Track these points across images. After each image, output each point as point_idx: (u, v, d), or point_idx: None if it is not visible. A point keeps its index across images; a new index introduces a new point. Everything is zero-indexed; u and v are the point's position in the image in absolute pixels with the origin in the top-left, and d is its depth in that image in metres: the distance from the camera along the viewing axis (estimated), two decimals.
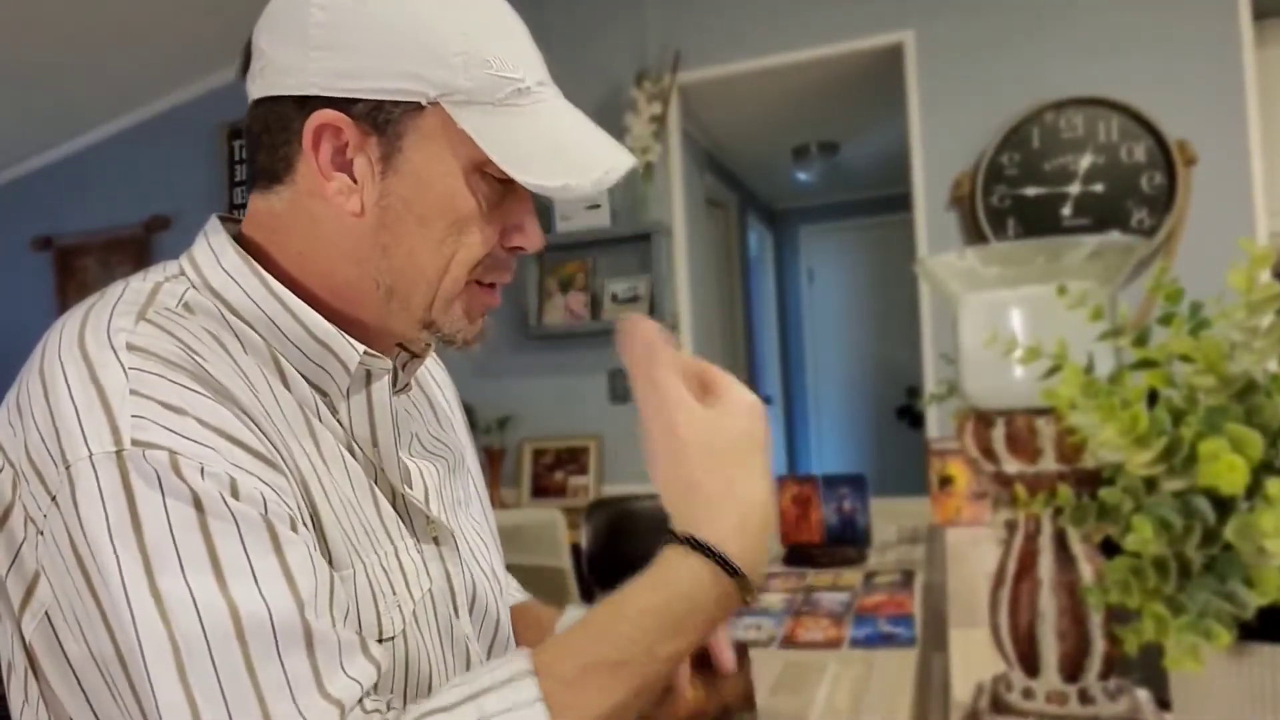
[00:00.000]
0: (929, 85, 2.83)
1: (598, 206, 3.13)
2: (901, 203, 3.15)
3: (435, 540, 0.72)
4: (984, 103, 2.76)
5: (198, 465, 0.52)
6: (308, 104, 0.60)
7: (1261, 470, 0.46)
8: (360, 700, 0.53)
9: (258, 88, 0.63)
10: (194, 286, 0.63)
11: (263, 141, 0.64)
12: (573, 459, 3.23)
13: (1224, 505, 0.47)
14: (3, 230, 4.12)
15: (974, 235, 2.79)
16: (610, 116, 3.15)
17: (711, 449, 0.58)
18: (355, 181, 0.62)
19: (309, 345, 0.63)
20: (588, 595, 2.50)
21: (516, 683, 0.53)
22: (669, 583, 0.56)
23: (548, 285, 3.26)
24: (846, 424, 5.53)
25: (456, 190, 0.63)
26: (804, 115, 3.77)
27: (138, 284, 0.63)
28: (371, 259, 0.63)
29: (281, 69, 0.61)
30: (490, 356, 3.33)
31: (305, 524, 0.58)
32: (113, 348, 0.55)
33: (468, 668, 0.73)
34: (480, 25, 0.62)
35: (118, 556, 0.50)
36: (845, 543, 1.47)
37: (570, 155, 0.63)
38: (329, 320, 0.64)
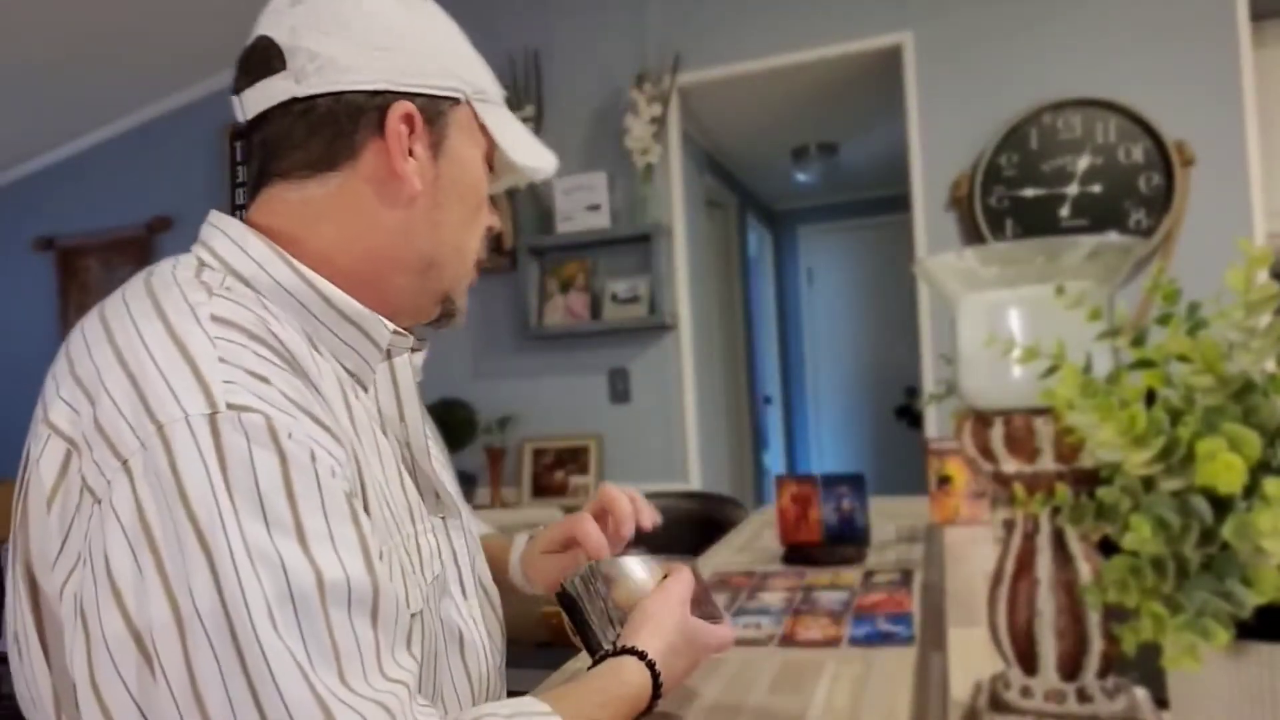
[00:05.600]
0: (927, 86, 2.84)
1: (598, 207, 3.13)
2: (900, 203, 3.16)
3: (443, 519, 0.76)
4: (982, 104, 2.77)
5: (287, 431, 0.54)
6: (380, 96, 0.68)
7: (1259, 470, 0.46)
8: (415, 691, 0.56)
9: (310, 85, 0.67)
10: (226, 274, 0.65)
11: (318, 134, 0.68)
12: (573, 458, 3.23)
13: (1222, 505, 0.47)
14: (4, 231, 4.12)
15: (972, 236, 2.79)
16: (610, 118, 3.15)
17: (693, 647, 0.78)
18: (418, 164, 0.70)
19: (341, 327, 0.67)
20: None
21: (552, 718, 0.61)
22: (634, 688, 0.71)
23: (548, 285, 3.26)
24: (845, 424, 5.53)
25: (480, 174, 0.76)
26: (803, 116, 3.77)
27: (178, 269, 0.64)
28: (422, 233, 0.72)
29: (345, 67, 0.67)
30: (490, 356, 3.34)
31: (359, 497, 0.61)
32: (196, 318, 0.57)
33: (462, 648, 0.76)
34: (467, 40, 0.77)
35: (220, 513, 0.51)
36: (844, 542, 1.47)
37: (536, 146, 0.80)
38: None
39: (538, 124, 3.19)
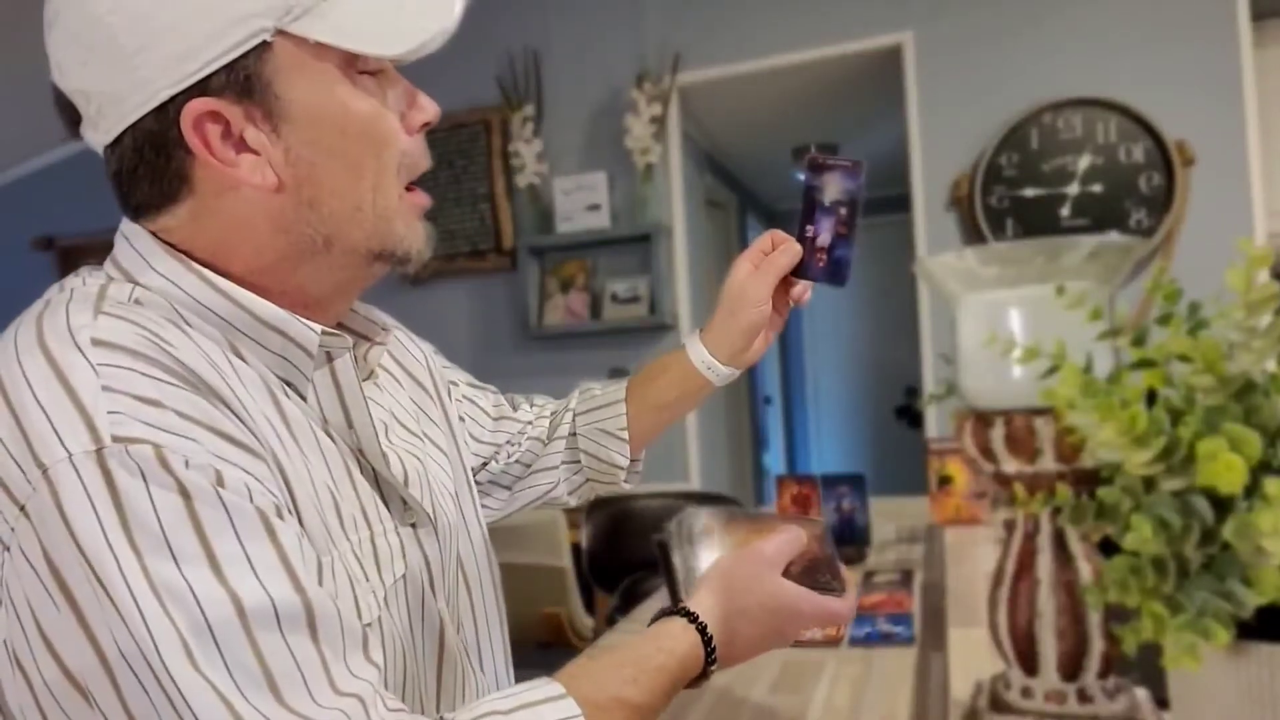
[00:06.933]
0: (928, 86, 2.84)
1: (598, 207, 3.13)
2: (901, 203, 3.16)
3: (414, 525, 0.71)
4: (983, 103, 2.77)
5: (183, 458, 0.51)
6: (168, 109, 0.58)
7: (1260, 470, 0.46)
8: (378, 696, 0.53)
9: (105, 130, 0.60)
10: (134, 288, 0.61)
11: (141, 174, 0.61)
12: None
13: (1222, 505, 0.47)
14: (4, 230, 4.12)
15: (973, 236, 2.79)
16: (610, 118, 3.15)
17: (774, 614, 0.70)
18: (258, 155, 0.60)
19: (265, 335, 0.62)
20: (588, 594, 2.50)
21: (561, 702, 0.58)
22: (677, 657, 0.65)
23: (548, 285, 3.26)
24: (846, 424, 5.53)
25: (347, 101, 0.61)
26: (804, 116, 3.77)
27: (81, 288, 0.60)
28: (301, 218, 0.62)
29: (119, 96, 0.58)
30: (490, 356, 3.34)
31: (288, 510, 0.57)
32: (77, 345, 0.53)
33: (441, 650, 0.73)
34: None
35: (115, 555, 0.48)
36: (844, 542, 1.47)
37: (407, 16, 0.61)
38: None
39: (537, 124, 3.19)
